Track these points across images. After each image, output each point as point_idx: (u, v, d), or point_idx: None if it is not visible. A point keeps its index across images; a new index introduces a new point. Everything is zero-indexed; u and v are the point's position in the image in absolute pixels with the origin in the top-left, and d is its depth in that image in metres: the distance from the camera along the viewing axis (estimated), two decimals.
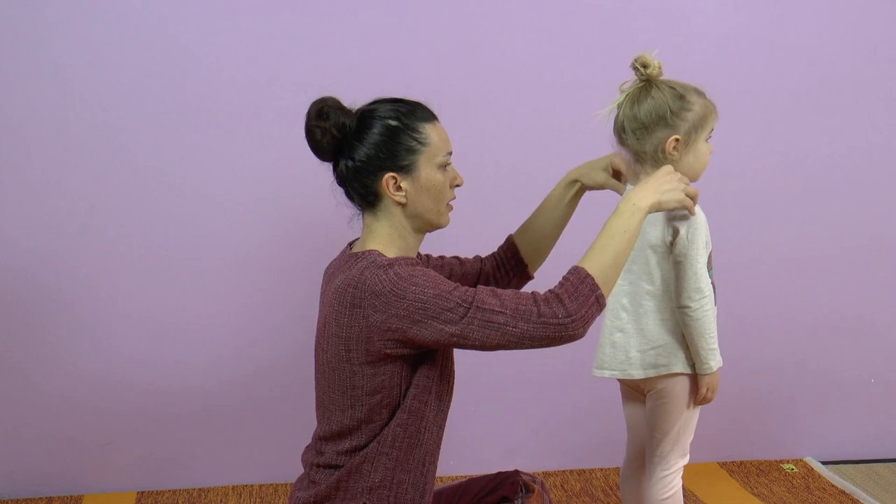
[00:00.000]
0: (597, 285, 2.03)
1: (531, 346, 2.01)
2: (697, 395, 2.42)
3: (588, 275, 2.03)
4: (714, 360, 2.37)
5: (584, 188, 2.47)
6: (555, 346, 2.02)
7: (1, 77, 2.97)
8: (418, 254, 2.33)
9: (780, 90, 3.37)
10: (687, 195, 2.18)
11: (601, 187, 2.44)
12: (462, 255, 2.49)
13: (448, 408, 2.19)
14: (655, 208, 2.14)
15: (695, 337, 2.34)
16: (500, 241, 3.24)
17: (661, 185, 2.15)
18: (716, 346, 2.37)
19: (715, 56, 3.29)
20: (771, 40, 3.34)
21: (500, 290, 2.04)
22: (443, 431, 2.18)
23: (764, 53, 3.34)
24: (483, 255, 2.52)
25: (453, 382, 2.19)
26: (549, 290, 2.03)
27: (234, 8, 3.05)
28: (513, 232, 2.51)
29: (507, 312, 1.99)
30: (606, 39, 3.20)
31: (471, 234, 2.80)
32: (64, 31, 2.98)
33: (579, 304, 2.00)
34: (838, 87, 3.40)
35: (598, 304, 2.03)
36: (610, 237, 2.07)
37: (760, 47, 3.33)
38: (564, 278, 2.05)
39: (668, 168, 2.20)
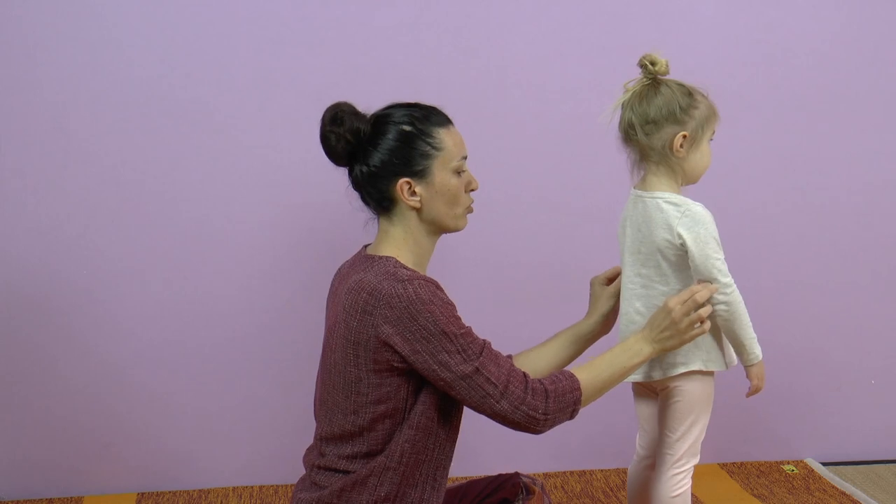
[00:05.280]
0: (580, 400, 2.12)
1: (497, 422, 2.08)
2: (750, 386, 2.41)
3: (578, 388, 2.11)
4: (758, 348, 2.38)
5: (607, 320, 2.44)
6: (515, 430, 2.09)
7: (1, 77, 2.97)
8: None
9: (780, 90, 3.36)
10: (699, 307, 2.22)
11: (614, 297, 2.43)
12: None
13: (459, 423, 2.18)
14: (657, 356, 2.26)
15: (735, 330, 2.34)
16: (500, 242, 3.26)
17: (659, 334, 2.22)
18: (754, 333, 2.36)
19: (715, 56, 3.28)
20: (771, 41, 3.34)
21: (501, 359, 2.08)
22: (454, 446, 2.18)
23: (764, 54, 3.34)
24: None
25: None
26: (541, 382, 2.08)
27: (241, 10, 3.06)
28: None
29: (499, 387, 2.04)
30: (606, 41, 3.19)
31: (469, 236, 2.79)
32: (64, 32, 2.97)
33: (557, 409, 2.08)
34: (840, 88, 3.40)
35: (571, 416, 2.13)
36: (608, 366, 2.18)
37: (760, 48, 3.33)
38: (558, 378, 2.11)
39: (669, 311, 2.22)
